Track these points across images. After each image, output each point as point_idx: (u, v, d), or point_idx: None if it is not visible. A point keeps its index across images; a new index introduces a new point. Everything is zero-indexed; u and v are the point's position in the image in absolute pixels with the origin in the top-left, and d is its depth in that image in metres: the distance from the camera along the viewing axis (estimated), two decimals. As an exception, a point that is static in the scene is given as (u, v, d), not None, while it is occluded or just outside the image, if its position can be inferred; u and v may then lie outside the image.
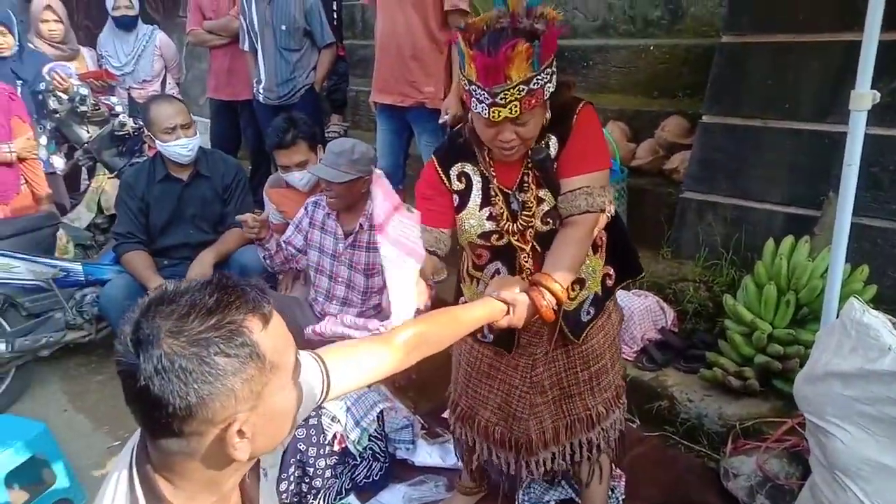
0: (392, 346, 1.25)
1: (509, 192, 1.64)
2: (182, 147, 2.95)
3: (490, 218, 1.65)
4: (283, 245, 2.73)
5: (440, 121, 3.20)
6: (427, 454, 2.48)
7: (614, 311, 1.88)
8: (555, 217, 1.60)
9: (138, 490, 0.88)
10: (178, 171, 3.06)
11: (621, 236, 1.81)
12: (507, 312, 1.50)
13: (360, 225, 2.62)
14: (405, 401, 2.64)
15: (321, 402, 1.15)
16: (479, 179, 1.66)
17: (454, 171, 1.68)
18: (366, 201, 2.63)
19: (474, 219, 1.67)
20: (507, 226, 1.64)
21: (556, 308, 1.53)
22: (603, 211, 1.58)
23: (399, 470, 2.44)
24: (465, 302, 1.78)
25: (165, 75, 4.71)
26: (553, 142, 1.58)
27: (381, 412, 2.39)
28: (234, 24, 4.17)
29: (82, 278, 3.19)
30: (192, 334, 0.81)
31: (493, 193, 1.64)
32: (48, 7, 4.25)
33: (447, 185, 1.69)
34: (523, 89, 1.40)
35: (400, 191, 3.55)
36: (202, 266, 2.93)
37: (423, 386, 2.69)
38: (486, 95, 1.41)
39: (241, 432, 0.85)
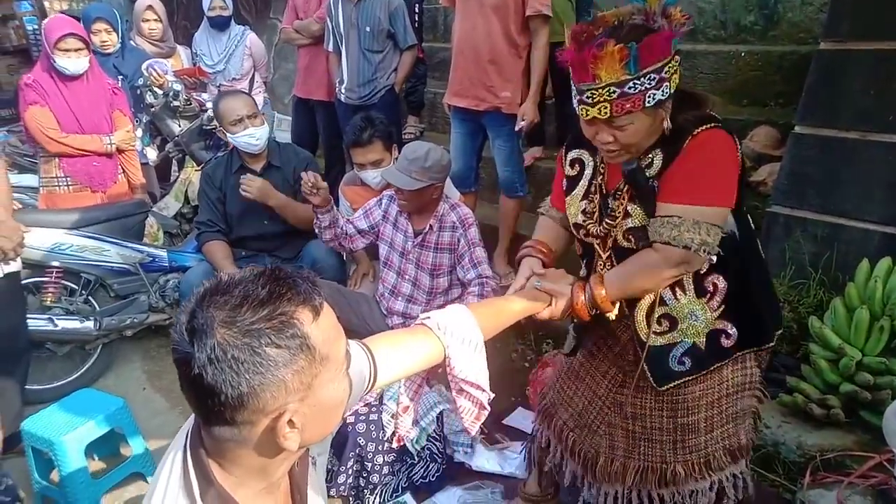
0: (437, 338, 1.25)
1: (608, 194, 1.58)
2: (250, 136, 3.04)
3: (584, 212, 1.61)
4: (342, 222, 2.73)
5: (516, 127, 3.17)
6: (485, 459, 2.46)
7: (731, 381, 1.62)
8: (638, 237, 1.50)
9: (191, 473, 0.91)
10: (252, 163, 3.16)
11: (751, 290, 1.56)
12: (550, 304, 1.49)
13: (430, 226, 2.62)
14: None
15: (367, 392, 1.16)
16: (591, 172, 1.63)
17: (571, 155, 1.66)
18: (437, 204, 2.64)
19: (574, 207, 1.64)
20: (592, 225, 1.59)
21: (591, 311, 1.50)
22: (688, 248, 1.39)
23: (456, 473, 2.42)
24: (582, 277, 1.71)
25: (254, 74, 4.87)
26: (658, 158, 1.46)
27: (441, 413, 2.38)
28: (313, 27, 4.30)
29: (166, 264, 3.37)
30: (244, 325, 0.81)
31: (593, 190, 1.61)
32: (150, 7, 4.50)
33: (563, 167, 1.68)
34: (615, 91, 1.32)
35: (472, 193, 3.54)
36: (271, 194, 3.02)
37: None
38: (576, 92, 1.38)
39: (291, 423, 0.86)
